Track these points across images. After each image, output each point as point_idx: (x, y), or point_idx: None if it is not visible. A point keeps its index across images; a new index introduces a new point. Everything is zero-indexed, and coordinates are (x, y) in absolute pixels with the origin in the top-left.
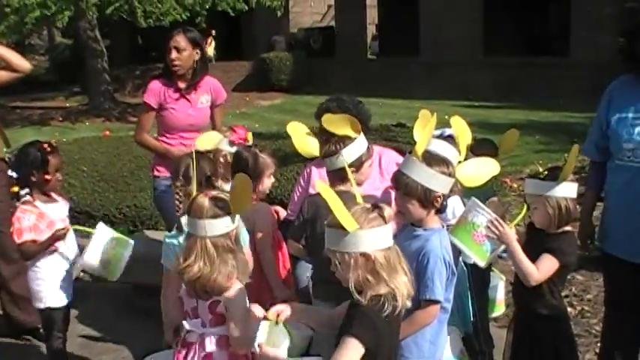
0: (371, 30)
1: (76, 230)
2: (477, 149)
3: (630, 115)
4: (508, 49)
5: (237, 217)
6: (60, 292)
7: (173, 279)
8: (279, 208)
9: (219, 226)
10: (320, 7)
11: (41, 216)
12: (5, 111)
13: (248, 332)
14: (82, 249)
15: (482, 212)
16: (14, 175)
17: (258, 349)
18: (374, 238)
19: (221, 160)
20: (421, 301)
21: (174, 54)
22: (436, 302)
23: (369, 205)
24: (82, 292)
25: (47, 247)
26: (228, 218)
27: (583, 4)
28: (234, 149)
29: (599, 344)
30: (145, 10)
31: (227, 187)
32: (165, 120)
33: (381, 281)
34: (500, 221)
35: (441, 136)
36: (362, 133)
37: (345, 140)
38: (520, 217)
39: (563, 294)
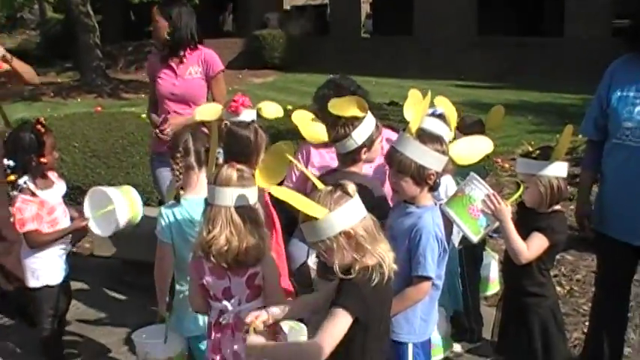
0: (365, 8)
1: None
2: (466, 128)
3: (632, 94)
4: (502, 29)
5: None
6: (57, 269)
7: (167, 250)
8: None
9: (245, 196)
10: None
11: (42, 204)
12: None
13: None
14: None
15: (480, 186)
16: (11, 163)
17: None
18: (346, 215)
19: (223, 128)
20: (413, 277)
21: (151, 25)
22: (428, 279)
23: (330, 187)
24: (74, 268)
25: (60, 238)
26: (254, 189)
27: None
28: (237, 118)
29: (586, 323)
30: None
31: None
32: (155, 90)
33: (367, 252)
34: (498, 197)
35: (432, 115)
36: (369, 112)
37: (354, 122)
38: (517, 195)
39: (552, 274)
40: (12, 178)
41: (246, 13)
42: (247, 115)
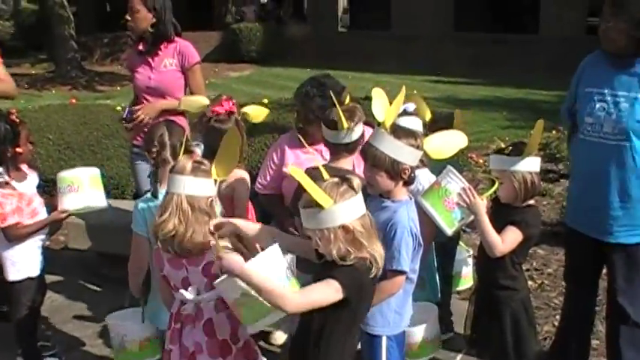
0: (342, 3)
1: None
2: (432, 126)
3: (595, 89)
4: (478, 24)
5: (215, 188)
6: (36, 261)
7: (142, 243)
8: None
9: (197, 186)
10: None
11: (21, 197)
12: None
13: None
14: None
15: (457, 180)
16: None
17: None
18: (349, 210)
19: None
20: (387, 271)
21: (128, 15)
22: (402, 273)
23: (337, 179)
24: (48, 260)
25: (38, 230)
26: (208, 182)
27: None
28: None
29: (557, 317)
30: None
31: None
32: (133, 83)
33: (362, 247)
34: (473, 191)
35: (404, 112)
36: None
37: (355, 117)
38: (492, 190)
39: (524, 268)
40: None
41: (223, 6)
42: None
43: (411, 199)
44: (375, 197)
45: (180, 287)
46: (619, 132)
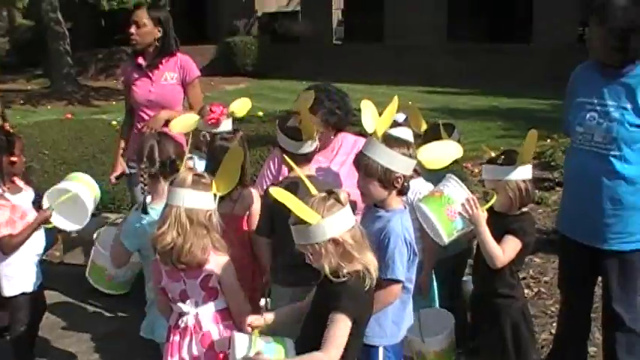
0: (337, 15)
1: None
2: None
3: (585, 99)
4: (472, 35)
5: (215, 201)
6: (32, 276)
7: (123, 253)
8: None
9: (196, 200)
10: None
11: (14, 209)
12: None
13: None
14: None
15: (461, 189)
16: None
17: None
18: (337, 223)
19: (201, 139)
20: (383, 280)
21: (133, 28)
22: (398, 282)
23: (324, 194)
24: (46, 275)
25: (29, 237)
26: (207, 195)
27: None
28: (217, 129)
29: (554, 324)
30: None
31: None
32: (130, 96)
33: (354, 259)
34: (477, 202)
35: (394, 123)
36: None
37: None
38: (491, 202)
39: (521, 276)
40: None
41: (219, 19)
42: (225, 125)
43: (405, 208)
44: (369, 207)
45: (179, 300)
46: (609, 141)
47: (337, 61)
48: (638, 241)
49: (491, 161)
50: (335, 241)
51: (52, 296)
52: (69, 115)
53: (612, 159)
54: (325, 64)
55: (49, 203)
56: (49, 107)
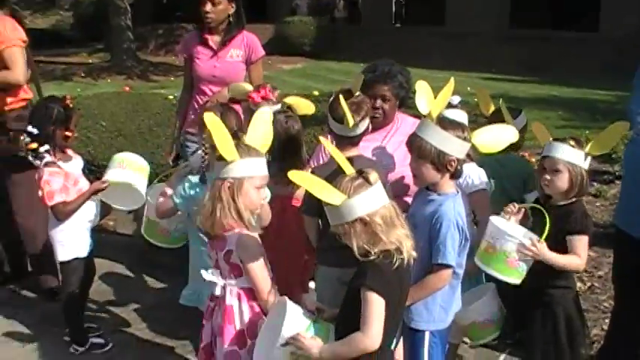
0: None
1: None
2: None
3: None
4: (535, 22)
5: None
6: (85, 242)
7: (171, 208)
8: None
9: (222, 169)
10: None
11: (67, 176)
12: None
13: (264, 285)
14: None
15: (510, 238)
16: (34, 131)
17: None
18: (364, 202)
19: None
20: (433, 265)
21: (208, 6)
22: (448, 267)
23: (354, 174)
24: (98, 244)
25: (82, 205)
26: (222, 165)
27: None
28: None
29: (606, 320)
30: None
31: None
32: (192, 70)
33: (381, 241)
34: (534, 240)
35: (449, 104)
36: None
37: (362, 112)
38: (546, 231)
39: None
40: (33, 146)
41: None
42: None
43: (458, 192)
44: (421, 190)
45: (214, 268)
46: None
47: (396, 44)
48: None
49: (562, 140)
50: (363, 221)
51: (102, 265)
52: (127, 89)
53: None
54: (383, 47)
55: (108, 178)
56: (108, 80)
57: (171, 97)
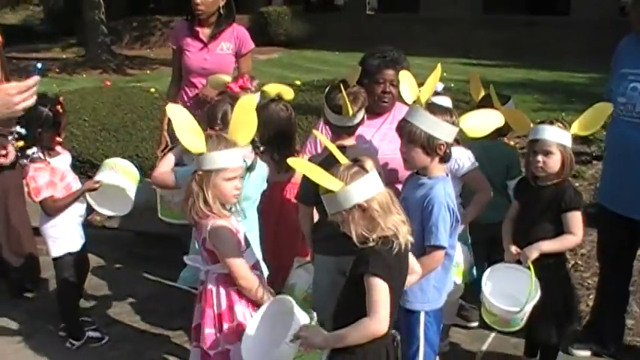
0: None
1: None
2: (480, 104)
3: (629, 70)
4: (509, 7)
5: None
6: (76, 237)
7: (172, 180)
8: None
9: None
10: None
11: (53, 171)
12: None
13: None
14: None
15: (502, 311)
16: (23, 131)
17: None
18: (360, 189)
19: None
20: (426, 247)
21: None
22: (441, 248)
23: (349, 162)
24: (88, 239)
25: (72, 202)
26: (201, 156)
27: None
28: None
29: (591, 297)
30: None
31: None
32: (183, 62)
33: (378, 226)
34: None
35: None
36: None
37: (359, 102)
38: (533, 277)
39: None
40: (21, 144)
41: None
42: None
43: (447, 175)
44: (412, 175)
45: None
46: None
47: (371, 31)
48: None
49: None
50: (361, 207)
51: (94, 259)
52: (108, 83)
53: None
54: (359, 35)
55: (100, 179)
56: (84, 76)
57: (152, 90)
